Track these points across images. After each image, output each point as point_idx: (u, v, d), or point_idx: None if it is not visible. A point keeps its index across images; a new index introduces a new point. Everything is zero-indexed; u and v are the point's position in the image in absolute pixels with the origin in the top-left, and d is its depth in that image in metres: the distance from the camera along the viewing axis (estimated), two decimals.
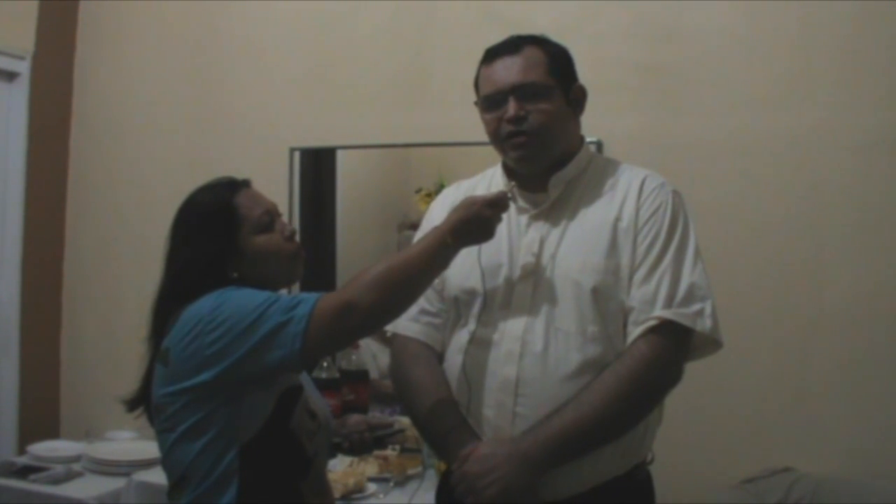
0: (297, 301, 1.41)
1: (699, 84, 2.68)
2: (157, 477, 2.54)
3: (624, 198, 1.61)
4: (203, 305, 1.43)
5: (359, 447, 1.77)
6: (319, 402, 1.60)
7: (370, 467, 2.59)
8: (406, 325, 1.68)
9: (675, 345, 1.54)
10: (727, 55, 2.65)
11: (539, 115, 1.59)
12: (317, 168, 3.18)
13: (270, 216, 1.57)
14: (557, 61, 1.64)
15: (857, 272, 2.51)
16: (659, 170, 1.70)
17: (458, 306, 1.68)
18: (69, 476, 2.74)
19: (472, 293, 1.64)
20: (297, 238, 1.61)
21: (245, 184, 1.59)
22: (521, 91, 1.59)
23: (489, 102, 1.63)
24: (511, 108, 1.59)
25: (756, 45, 2.63)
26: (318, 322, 1.39)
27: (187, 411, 1.43)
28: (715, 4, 2.68)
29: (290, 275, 1.61)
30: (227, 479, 1.43)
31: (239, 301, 1.42)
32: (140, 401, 1.57)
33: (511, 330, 1.58)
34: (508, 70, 1.60)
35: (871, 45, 2.52)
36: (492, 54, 1.65)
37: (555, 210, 1.64)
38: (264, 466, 1.45)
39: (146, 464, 2.76)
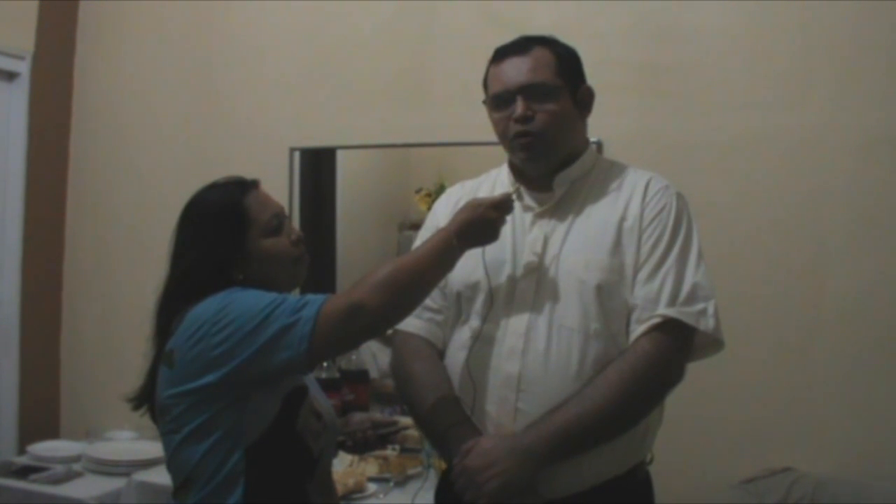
0: (303, 302, 1.41)
1: (699, 84, 2.68)
2: (157, 477, 2.56)
3: (629, 198, 1.62)
4: (209, 307, 1.43)
5: (362, 445, 1.77)
6: (324, 403, 1.60)
7: (370, 467, 2.59)
8: (408, 321, 1.67)
9: (678, 343, 1.54)
10: (727, 55, 2.65)
11: (546, 115, 1.60)
12: (317, 168, 3.18)
13: (279, 220, 1.56)
14: (566, 62, 1.65)
15: (858, 272, 2.51)
16: (658, 170, 1.71)
17: (459, 302, 1.68)
18: (69, 476, 2.74)
19: (475, 289, 1.64)
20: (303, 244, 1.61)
21: (254, 184, 1.58)
22: (530, 91, 1.60)
23: (497, 101, 1.64)
24: (519, 107, 1.59)
25: (756, 45, 2.63)
26: (324, 324, 1.39)
27: (193, 413, 1.43)
28: (715, 4, 2.68)
29: (294, 279, 1.60)
30: (233, 481, 1.43)
31: (245, 302, 1.42)
32: (144, 399, 1.57)
33: (514, 326, 1.58)
34: (517, 70, 1.61)
35: (871, 45, 2.51)
36: (501, 54, 1.66)
37: (559, 209, 1.64)
38: (270, 467, 1.45)
39: (146, 464, 2.76)
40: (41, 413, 3.32)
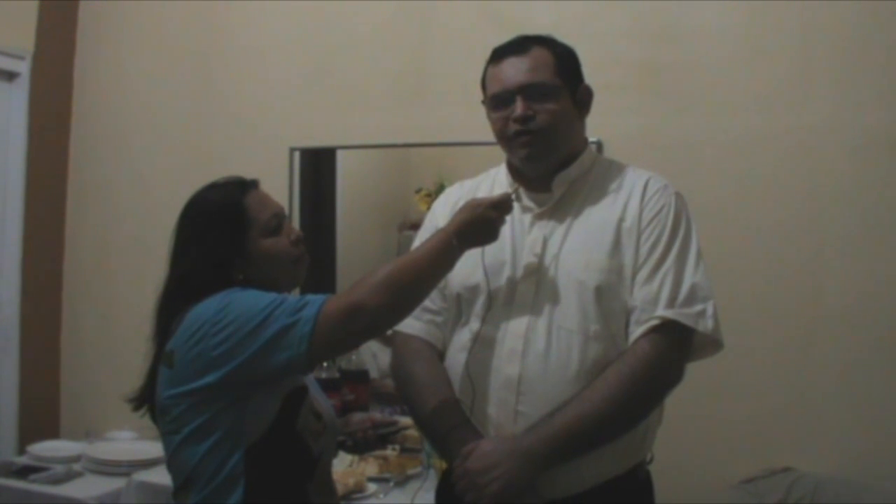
0: (303, 303, 1.41)
1: (699, 84, 2.68)
2: (157, 477, 2.56)
3: (627, 198, 1.62)
4: (208, 307, 1.43)
5: (362, 445, 1.77)
6: (324, 403, 1.60)
7: (370, 467, 2.59)
8: (408, 322, 1.67)
9: (677, 344, 1.54)
10: (727, 55, 2.65)
11: (546, 115, 1.59)
12: (317, 168, 3.18)
13: (279, 220, 1.56)
14: (565, 62, 1.64)
15: (857, 272, 2.51)
16: (658, 170, 1.70)
17: (459, 304, 1.68)
18: (69, 476, 2.74)
19: (474, 291, 1.64)
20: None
21: (254, 184, 1.59)
22: (529, 91, 1.59)
23: (497, 101, 1.64)
24: (519, 107, 1.59)
25: (756, 45, 2.63)
26: (324, 324, 1.39)
27: (193, 413, 1.43)
28: (715, 4, 2.68)
29: (294, 279, 1.60)
30: (234, 481, 1.43)
31: (245, 302, 1.42)
32: (144, 399, 1.57)
33: (514, 328, 1.58)
34: (516, 70, 1.61)
35: (871, 45, 2.52)
36: (499, 54, 1.66)
37: (559, 209, 1.64)
38: (270, 468, 1.45)
39: (146, 464, 2.76)
40: (41, 413, 3.32)
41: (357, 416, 1.81)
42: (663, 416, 1.65)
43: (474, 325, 1.63)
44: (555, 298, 1.57)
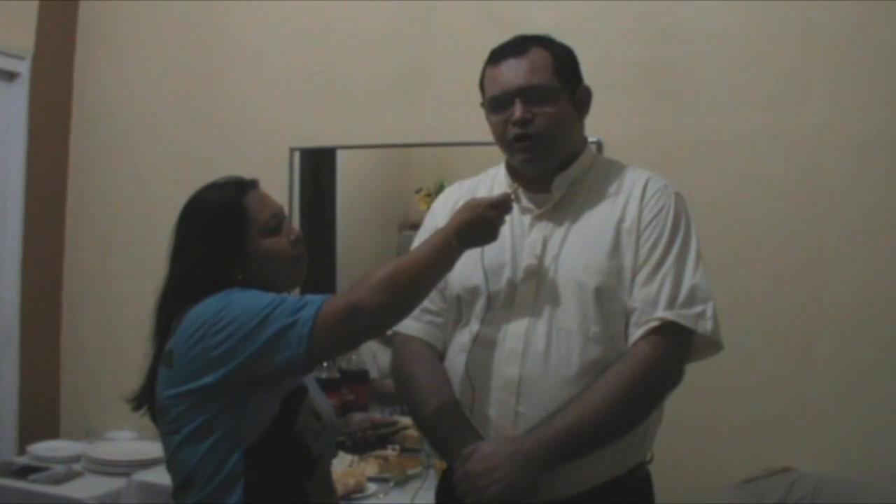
0: (303, 303, 1.41)
1: (699, 84, 2.68)
2: (157, 477, 2.56)
3: (627, 199, 1.61)
4: (208, 307, 1.43)
5: (362, 445, 1.77)
6: (324, 403, 1.60)
7: (370, 467, 2.59)
8: (408, 323, 1.67)
9: (677, 346, 1.54)
10: (727, 55, 2.65)
11: (545, 117, 1.59)
12: (317, 168, 3.18)
13: (278, 219, 1.56)
14: (563, 63, 1.63)
15: (857, 272, 2.51)
16: (658, 170, 1.70)
17: (459, 305, 1.68)
18: (69, 476, 2.74)
19: (474, 292, 1.64)
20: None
21: (253, 184, 1.58)
22: (528, 93, 1.59)
23: (495, 104, 1.63)
24: (518, 110, 1.58)
25: (756, 45, 2.63)
26: (323, 324, 1.39)
27: (192, 413, 1.43)
28: (715, 4, 2.68)
29: (293, 279, 1.60)
30: (233, 481, 1.43)
31: (244, 303, 1.42)
32: (144, 399, 1.57)
33: (514, 330, 1.58)
34: (515, 72, 1.60)
35: (871, 46, 2.52)
36: (497, 55, 1.65)
37: (558, 211, 1.64)
38: (270, 468, 1.45)
39: (146, 464, 2.76)
40: (41, 413, 3.32)
41: (357, 416, 1.81)
42: (663, 416, 1.65)
43: (474, 326, 1.63)
44: (555, 300, 1.57)
